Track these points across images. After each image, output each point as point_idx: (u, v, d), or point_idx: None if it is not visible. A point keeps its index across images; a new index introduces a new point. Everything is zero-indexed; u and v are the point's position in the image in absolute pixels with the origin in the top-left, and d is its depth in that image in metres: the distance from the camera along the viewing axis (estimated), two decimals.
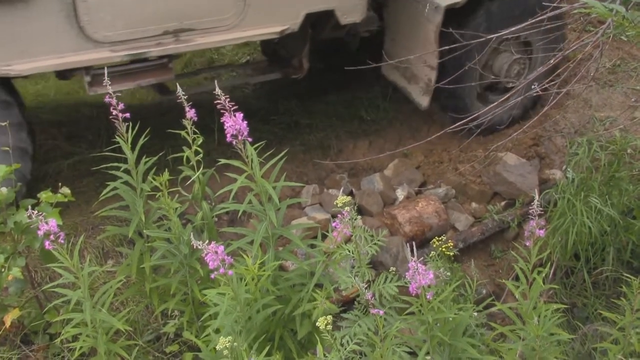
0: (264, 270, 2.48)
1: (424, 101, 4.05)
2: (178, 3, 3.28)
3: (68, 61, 3.22)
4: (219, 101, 2.41)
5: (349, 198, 2.08)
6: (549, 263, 3.49)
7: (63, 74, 3.59)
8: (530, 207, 2.21)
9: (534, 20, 2.41)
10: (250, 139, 2.52)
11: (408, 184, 4.31)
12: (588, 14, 1.84)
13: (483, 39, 2.71)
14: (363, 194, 4.17)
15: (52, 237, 2.31)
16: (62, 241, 2.34)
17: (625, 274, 2.76)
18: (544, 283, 2.36)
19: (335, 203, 2.10)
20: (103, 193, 2.85)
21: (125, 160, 2.89)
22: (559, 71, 2.41)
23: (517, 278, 2.42)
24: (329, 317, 1.87)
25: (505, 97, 2.49)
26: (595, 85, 3.23)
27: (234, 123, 2.44)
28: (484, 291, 3.61)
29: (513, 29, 2.55)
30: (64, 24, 3.11)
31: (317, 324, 1.88)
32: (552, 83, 2.38)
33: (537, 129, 4.31)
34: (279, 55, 4.40)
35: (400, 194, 4.24)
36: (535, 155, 4.59)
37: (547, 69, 2.38)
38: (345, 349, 2.04)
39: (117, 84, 3.26)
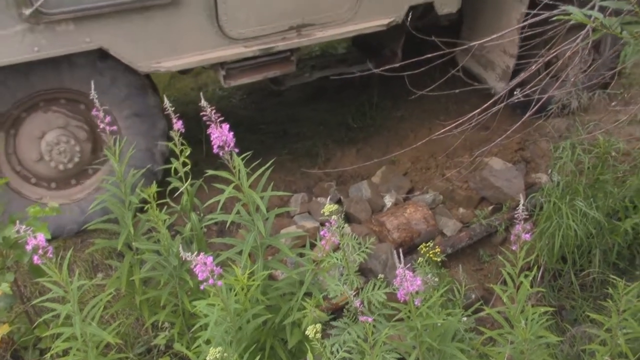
0: (254, 280, 2.49)
1: (499, 87, 4.18)
2: (301, 1, 3.57)
3: (208, 57, 3.52)
4: (204, 113, 2.42)
5: (336, 206, 2.10)
6: (537, 266, 3.52)
7: (188, 69, 3.86)
8: (517, 212, 2.23)
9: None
10: (237, 150, 2.53)
11: (396, 190, 4.33)
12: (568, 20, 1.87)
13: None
14: (351, 201, 4.18)
15: (40, 251, 2.31)
16: (51, 255, 2.34)
17: (612, 276, 2.79)
18: (531, 286, 2.38)
19: (322, 211, 2.11)
20: (92, 206, 2.85)
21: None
22: (540, 76, 2.44)
23: (505, 282, 2.44)
24: (318, 326, 1.88)
25: (488, 102, 2.52)
26: (577, 90, 3.27)
27: (221, 134, 2.45)
28: (473, 296, 3.62)
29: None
30: (206, 23, 3.42)
31: (306, 332, 1.89)
32: (534, 89, 2.41)
33: (522, 134, 4.35)
34: (371, 46, 4.54)
35: (388, 200, 4.26)
36: (521, 159, 4.64)
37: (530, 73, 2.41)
38: (335, 357, 2.05)
39: (248, 77, 3.68)
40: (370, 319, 1.96)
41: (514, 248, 2.32)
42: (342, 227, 2.09)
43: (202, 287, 2.24)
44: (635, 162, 3.80)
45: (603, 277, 3.57)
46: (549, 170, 4.21)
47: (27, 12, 2.97)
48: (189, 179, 3.03)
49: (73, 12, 3.09)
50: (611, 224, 3.61)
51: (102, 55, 3.39)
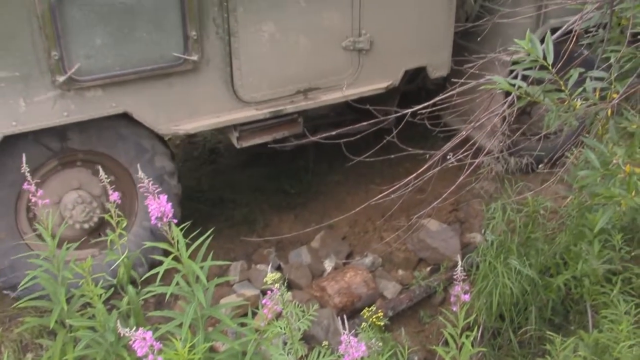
0: (194, 354, 2.42)
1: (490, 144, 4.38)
2: (308, 67, 3.84)
3: (223, 120, 3.73)
4: (142, 184, 2.40)
5: (279, 274, 2.09)
6: (476, 326, 3.57)
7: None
8: (455, 272, 2.28)
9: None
10: (175, 220, 2.51)
11: (335, 255, 4.35)
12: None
13: None
14: (291, 267, 4.17)
15: None
16: None
17: (548, 332, 2.86)
18: (472, 346, 2.41)
19: (265, 280, 2.10)
20: (22, 283, 2.74)
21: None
22: (472, 141, 2.55)
23: (447, 343, 2.46)
24: None
25: (423, 168, 2.60)
26: (503, 155, 3.44)
27: (159, 205, 2.44)
28: (416, 358, 3.63)
29: None
30: (223, 88, 3.66)
31: None
32: (466, 154, 2.52)
33: (456, 196, 4.47)
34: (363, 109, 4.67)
35: (328, 265, 4.27)
36: (456, 219, 4.76)
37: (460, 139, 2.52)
38: None
39: (259, 138, 3.92)
40: None
41: (454, 309, 2.36)
42: (285, 295, 2.08)
43: None
44: (562, 219, 3.95)
45: (540, 334, 3.63)
46: (483, 230, 4.32)
47: (61, 79, 3.15)
48: (127, 251, 2.97)
49: (102, 79, 3.30)
50: (544, 281, 3.71)
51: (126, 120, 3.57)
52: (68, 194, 3.69)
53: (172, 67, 3.44)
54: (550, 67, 1.92)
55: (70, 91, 3.25)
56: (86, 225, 3.72)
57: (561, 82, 1.97)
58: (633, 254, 3.60)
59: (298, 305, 2.27)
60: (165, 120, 3.59)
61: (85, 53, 3.22)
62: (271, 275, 2.08)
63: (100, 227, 3.81)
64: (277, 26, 3.67)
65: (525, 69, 2.04)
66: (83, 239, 3.66)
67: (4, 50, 3.06)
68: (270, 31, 3.67)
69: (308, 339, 3.61)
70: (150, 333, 2.13)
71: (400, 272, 4.28)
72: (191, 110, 3.65)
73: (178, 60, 3.44)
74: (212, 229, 2.78)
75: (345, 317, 2.00)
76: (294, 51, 3.79)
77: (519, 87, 1.92)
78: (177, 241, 2.55)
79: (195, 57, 3.42)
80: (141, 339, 2.11)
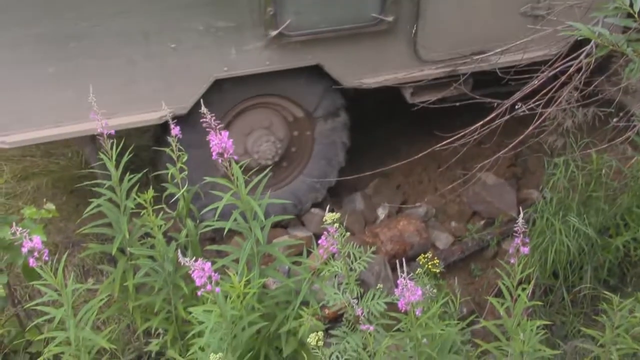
0: (250, 288, 2.47)
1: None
2: (485, 30, 3.95)
3: (401, 77, 3.93)
4: (204, 119, 2.42)
5: (338, 214, 2.10)
6: (529, 281, 3.53)
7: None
8: (515, 224, 2.24)
9: None
10: (236, 157, 2.53)
11: (389, 203, 4.34)
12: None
13: None
14: (345, 213, 4.19)
15: (36, 254, 2.29)
16: (47, 258, 2.31)
17: (605, 292, 2.81)
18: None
19: (323, 219, 2.11)
20: (87, 210, 2.82)
21: (108, 177, 2.88)
22: (544, 91, 2.47)
23: (497, 295, 2.45)
24: (320, 334, 1.87)
25: (491, 116, 2.54)
26: (571, 108, 3.32)
27: (220, 141, 2.45)
28: (465, 309, 3.63)
29: None
30: (405, 48, 3.85)
31: (308, 340, 1.88)
32: (537, 103, 2.44)
33: (515, 151, 4.38)
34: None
35: (382, 213, 4.27)
36: (512, 175, 4.67)
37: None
38: None
39: (430, 95, 4.02)
40: (371, 328, 1.96)
41: (512, 261, 2.33)
42: (344, 236, 2.09)
43: (199, 293, 2.23)
44: (626, 180, 3.84)
45: (594, 294, 3.59)
46: (540, 187, 4.24)
47: (273, 33, 3.43)
48: (186, 185, 3.02)
49: (305, 35, 3.55)
50: (603, 241, 3.63)
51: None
52: (256, 131, 4.01)
53: (367, 26, 3.64)
54: (636, 15, 1.83)
55: (275, 43, 3.51)
56: (269, 162, 4.05)
57: None
58: None
59: (356, 247, 2.27)
60: (351, 75, 3.83)
61: (296, 10, 3.46)
62: (331, 215, 2.09)
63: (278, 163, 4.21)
64: None
65: (606, 16, 1.95)
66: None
67: (224, 3, 3.31)
68: None
69: (359, 284, 3.65)
70: (209, 264, 2.18)
71: (454, 224, 4.26)
72: (375, 67, 3.87)
73: (374, 21, 3.62)
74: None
75: (402, 261, 2.00)
76: (475, 14, 3.92)
77: (600, 34, 1.83)
78: (237, 178, 2.57)
79: (390, 18, 3.61)
80: (200, 269, 2.16)
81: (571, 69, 2.30)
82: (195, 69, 3.44)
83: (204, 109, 2.45)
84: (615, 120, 2.61)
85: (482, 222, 4.25)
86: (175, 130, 2.89)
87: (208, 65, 3.46)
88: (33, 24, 3.06)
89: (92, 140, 3.52)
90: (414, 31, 3.77)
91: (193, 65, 3.43)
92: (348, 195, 4.40)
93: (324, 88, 3.95)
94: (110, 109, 3.19)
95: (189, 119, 3.41)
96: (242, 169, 2.59)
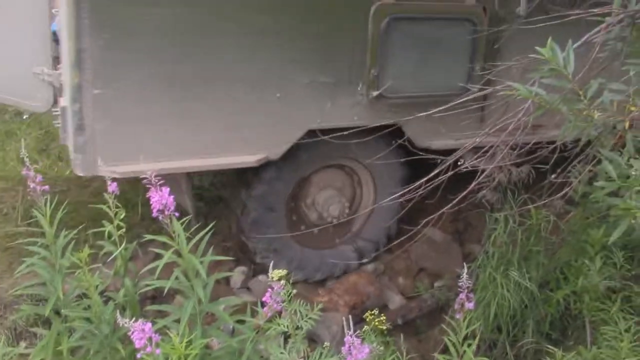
0: (192, 349, 2.38)
1: None
2: None
3: (466, 142, 3.65)
4: (144, 176, 2.37)
5: (284, 271, 2.06)
6: (474, 336, 3.54)
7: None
8: (460, 280, 2.25)
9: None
10: (177, 214, 2.47)
11: None
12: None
13: None
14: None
15: None
16: None
17: (548, 346, 2.83)
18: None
19: (270, 276, 2.06)
20: (19, 269, 2.70)
21: (42, 235, 2.77)
22: (485, 148, 2.53)
23: (444, 351, 2.43)
24: None
25: (435, 171, 2.58)
26: (506, 165, 3.44)
27: (161, 197, 2.40)
28: None
29: None
30: (475, 115, 3.80)
31: None
32: (480, 159, 2.50)
33: (456, 207, 4.45)
34: None
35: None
36: (456, 230, 4.74)
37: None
38: None
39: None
40: None
41: (457, 317, 2.32)
42: (290, 292, 2.05)
43: (139, 355, 2.12)
44: (563, 235, 3.94)
45: (537, 347, 3.61)
46: (482, 241, 4.30)
47: (374, 93, 3.62)
48: (124, 243, 2.93)
49: (399, 98, 3.74)
50: (544, 295, 3.69)
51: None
52: (325, 190, 4.17)
53: (452, 95, 3.55)
54: (569, 77, 1.90)
55: (366, 101, 3.70)
56: (335, 220, 4.17)
57: (580, 93, 1.95)
58: (634, 272, 3.59)
59: (302, 304, 2.23)
60: (423, 136, 3.95)
61: (396, 74, 3.68)
62: (277, 272, 2.05)
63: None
64: None
65: (542, 77, 2.02)
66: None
67: (329, 59, 3.56)
68: None
69: (314, 340, 3.58)
70: (149, 324, 2.09)
71: (401, 280, 4.26)
72: (445, 131, 3.86)
73: (461, 90, 3.67)
74: (212, 224, 2.74)
75: (350, 317, 1.97)
76: None
77: (537, 94, 1.89)
78: (178, 235, 2.51)
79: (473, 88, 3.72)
80: (140, 330, 2.07)
81: (510, 127, 2.36)
82: (294, 118, 3.61)
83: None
84: (552, 176, 2.68)
85: (428, 279, 4.28)
86: (112, 186, 2.82)
87: (305, 116, 3.63)
88: (161, 64, 3.23)
89: (188, 175, 3.85)
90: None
91: (292, 114, 3.60)
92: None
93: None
94: (212, 149, 3.46)
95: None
96: None
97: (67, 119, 3.32)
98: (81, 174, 3.32)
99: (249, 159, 3.58)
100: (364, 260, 4.27)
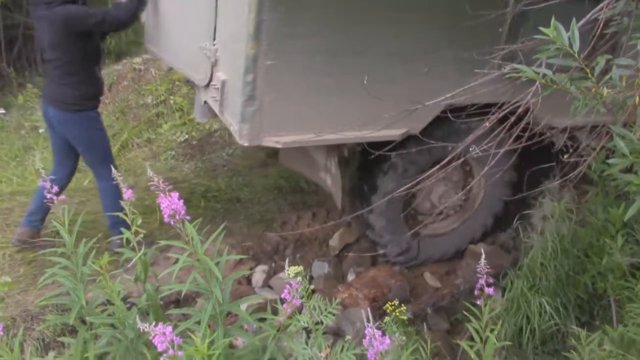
0: (214, 349, 2.39)
1: None
2: None
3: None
4: (152, 182, 2.38)
5: (301, 268, 2.06)
6: (500, 320, 3.52)
7: None
8: (479, 266, 2.23)
9: None
10: (188, 218, 2.47)
11: (354, 252, 4.33)
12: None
13: None
14: (320, 278, 4.17)
15: None
16: (1, 333, 2.21)
17: (572, 326, 2.81)
18: (497, 340, 2.36)
19: (287, 273, 2.07)
20: (41, 280, 2.74)
21: (63, 245, 2.80)
22: (495, 132, 2.51)
23: (470, 338, 2.42)
24: None
25: (445, 160, 2.56)
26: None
27: (170, 203, 2.40)
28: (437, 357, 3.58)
29: None
30: None
31: None
32: (490, 144, 2.48)
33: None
34: None
35: (351, 274, 4.27)
36: None
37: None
38: None
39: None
40: None
41: (478, 303, 2.31)
42: (308, 288, 2.05)
43: (162, 358, 2.15)
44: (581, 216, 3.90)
45: (564, 329, 3.58)
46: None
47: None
48: (142, 248, 2.95)
49: None
50: (571, 279, 3.66)
51: None
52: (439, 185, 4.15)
53: None
54: (576, 55, 1.87)
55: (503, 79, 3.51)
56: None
57: (587, 70, 1.92)
58: None
59: (322, 299, 2.23)
60: (549, 114, 3.67)
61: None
62: (293, 268, 2.05)
63: None
64: None
65: (549, 57, 2.00)
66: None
67: (471, 35, 3.46)
68: None
69: (339, 335, 3.59)
70: (170, 328, 2.11)
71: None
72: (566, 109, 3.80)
73: None
74: (223, 225, 2.74)
75: (369, 310, 1.96)
76: None
77: (544, 74, 1.87)
78: (192, 238, 2.52)
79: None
80: (161, 333, 2.09)
81: (520, 108, 2.34)
82: (436, 93, 3.38)
83: (149, 173, 2.40)
84: (565, 157, 2.65)
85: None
86: (127, 193, 2.84)
87: (446, 91, 3.43)
88: (325, 37, 3.26)
89: (338, 148, 3.98)
90: None
91: (435, 89, 3.38)
92: (312, 248, 4.38)
93: None
94: (364, 121, 3.36)
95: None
96: None
97: (229, 91, 3.38)
98: (246, 144, 3.33)
99: (394, 133, 3.61)
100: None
